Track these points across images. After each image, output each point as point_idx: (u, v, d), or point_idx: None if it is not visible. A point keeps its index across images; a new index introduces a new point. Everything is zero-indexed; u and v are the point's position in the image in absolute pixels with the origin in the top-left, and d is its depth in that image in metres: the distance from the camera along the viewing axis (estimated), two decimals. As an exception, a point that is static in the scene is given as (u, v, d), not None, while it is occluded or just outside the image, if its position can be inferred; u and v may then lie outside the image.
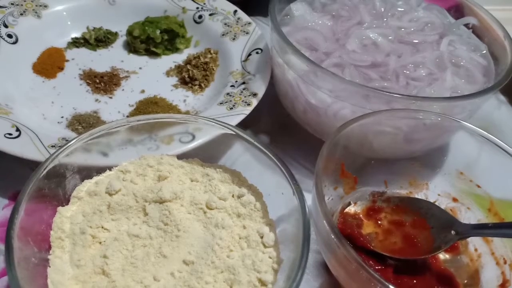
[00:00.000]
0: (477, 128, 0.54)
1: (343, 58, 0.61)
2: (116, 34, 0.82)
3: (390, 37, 0.65)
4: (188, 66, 0.76)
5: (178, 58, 0.79)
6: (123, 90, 0.73)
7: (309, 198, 0.46)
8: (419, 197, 0.58)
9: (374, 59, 0.61)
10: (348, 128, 0.51)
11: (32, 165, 0.57)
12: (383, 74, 0.60)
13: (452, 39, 0.66)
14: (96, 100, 0.71)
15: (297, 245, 0.42)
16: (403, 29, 0.67)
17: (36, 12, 0.77)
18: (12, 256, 0.38)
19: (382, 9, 0.71)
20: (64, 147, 0.47)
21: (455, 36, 0.68)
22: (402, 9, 0.71)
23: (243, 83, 0.70)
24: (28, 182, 0.43)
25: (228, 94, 0.68)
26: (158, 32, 0.77)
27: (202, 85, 0.74)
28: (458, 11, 0.75)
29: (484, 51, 0.67)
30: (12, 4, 0.77)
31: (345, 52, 0.62)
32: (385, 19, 0.68)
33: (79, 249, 0.45)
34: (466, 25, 0.71)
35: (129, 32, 0.78)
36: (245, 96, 0.67)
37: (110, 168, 0.51)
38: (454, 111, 0.56)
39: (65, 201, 0.48)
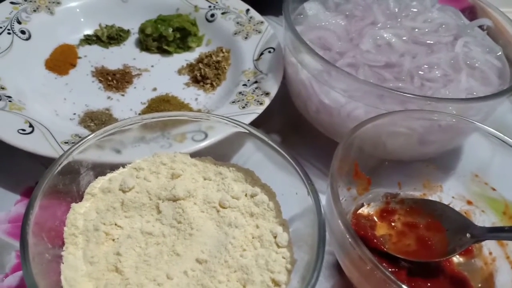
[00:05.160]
0: (492, 130, 0.53)
1: (357, 58, 0.61)
2: (128, 31, 0.82)
3: (404, 38, 0.64)
4: (200, 65, 0.75)
5: (190, 56, 0.79)
6: (135, 87, 0.73)
7: (321, 199, 0.46)
8: (433, 199, 0.57)
9: (388, 60, 0.61)
10: (363, 128, 0.50)
11: (44, 161, 0.57)
12: (397, 74, 0.60)
13: (467, 41, 0.66)
14: (108, 97, 0.71)
15: (311, 246, 0.42)
16: (417, 30, 0.67)
17: (49, 9, 0.77)
18: (27, 251, 0.38)
19: (396, 10, 0.70)
20: (79, 144, 0.47)
21: (469, 37, 0.67)
22: (416, 10, 0.71)
23: (255, 82, 0.69)
24: (43, 178, 0.43)
25: (240, 93, 0.68)
26: (170, 30, 0.77)
27: (214, 83, 0.74)
28: (472, 13, 0.74)
29: (499, 53, 0.66)
30: (25, 0, 0.77)
31: (359, 52, 0.61)
32: (399, 20, 0.68)
33: (93, 246, 0.45)
34: (481, 27, 0.71)
35: (141, 30, 0.78)
36: (257, 95, 0.66)
37: (123, 165, 0.51)
38: (469, 113, 0.56)
39: (79, 197, 0.48)
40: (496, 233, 0.50)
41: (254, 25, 0.78)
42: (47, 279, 0.40)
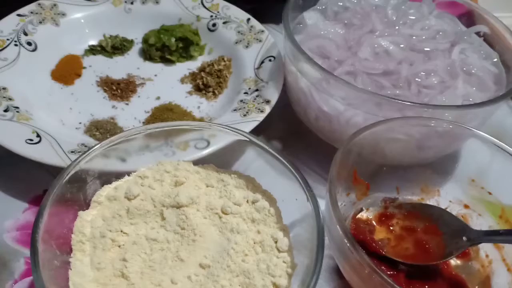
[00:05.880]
0: (488, 136, 0.54)
1: (355, 66, 0.62)
2: (132, 41, 0.83)
3: (402, 45, 0.65)
4: (202, 73, 0.77)
5: (192, 65, 0.81)
6: (139, 96, 0.74)
7: (321, 204, 0.47)
8: (431, 203, 0.58)
9: (386, 67, 0.62)
10: (361, 135, 0.52)
11: (51, 170, 0.59)
12: (395, 82, 0.61)
13: (464, 47, 0.67)
14: (113, 106, 0.72)
15: (311, 250, 0.43)
16: (414, 37, 0.68)
17: (54, 20, 0.79)
18: (37, 258, 0.39)
19: (394, 17, 0.71)
20: (86, 153, 0.48)
21: (466, 44, 0.68)
22: (414, 17, 0.72)
23: (256, 90, 0.71)
24: (51, 187, 0.44)
25: (241, 101, 0.69)
26: (173, 40, 0.79)
27: (216, 92, 0.75)
28: (469, 19, 0.75)
29: (496, 59, 0.67)
30: (31, 12, 0.78)
31: (357, 60, 0.63)
32: (396, 27, 0.69)
33: (99, 253, 0.46)
34: (478, 33, 0.71)
35: (145, 40, 0.80)
36: (258, 103, 0.68)
37: (128, 173, 0.52)
38: (466, 118, 0.57)
39: (86, 205, 0.49)
40: (492, 236, 0.51)
41: (255, 34, 0.80)
42: (56, 285, 0.42)
